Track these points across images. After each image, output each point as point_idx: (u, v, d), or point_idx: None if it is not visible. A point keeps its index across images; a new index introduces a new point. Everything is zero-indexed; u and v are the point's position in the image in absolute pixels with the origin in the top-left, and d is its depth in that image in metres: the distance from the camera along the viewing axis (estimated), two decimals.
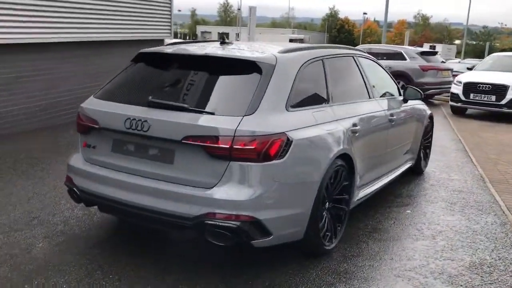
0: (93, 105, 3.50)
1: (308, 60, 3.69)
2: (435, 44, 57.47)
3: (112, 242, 3.71)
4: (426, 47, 39.09)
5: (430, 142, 6.46)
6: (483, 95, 11.56)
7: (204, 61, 3.46)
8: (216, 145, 2.95)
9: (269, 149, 3.00)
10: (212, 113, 3.05)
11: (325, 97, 3.79)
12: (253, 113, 3.04)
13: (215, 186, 2.98)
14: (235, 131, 2.94)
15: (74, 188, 3.48)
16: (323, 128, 3.49)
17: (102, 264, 3.33)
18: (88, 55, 9.06)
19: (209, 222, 2.94)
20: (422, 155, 6.13)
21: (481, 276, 3.44)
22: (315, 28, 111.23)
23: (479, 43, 76.68)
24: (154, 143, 3.17)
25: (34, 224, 3.95)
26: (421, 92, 5.39)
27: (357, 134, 3.94)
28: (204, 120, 3.02)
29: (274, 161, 3.02)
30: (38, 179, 5.17)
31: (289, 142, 3.09)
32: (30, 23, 7.70)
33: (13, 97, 7.58)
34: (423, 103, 6.18)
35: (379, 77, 5.19)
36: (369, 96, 4.54)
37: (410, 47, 16.32)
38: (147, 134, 3.12)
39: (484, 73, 12.19)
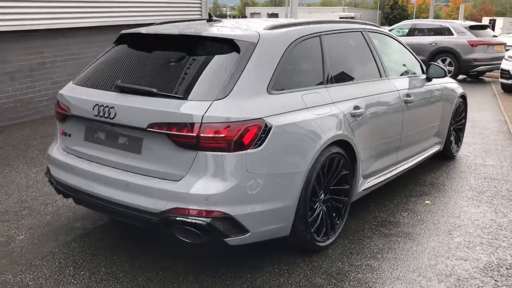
0: (68, 91, 3.31)
1: (301, 37, 3.32)
2: (495, 18, 54.20)
3: (95, 236, 3.54)
4: (485, 22, 36.85)
5: (464, 124, 5.89)
6: None
7: (179, 41, 3.17)
8: (181, 133, 2.67)
9: (242, 137, 2.69)
10: (181, 98, 2.76)
11: (321, 78, 3.41)
12: (225, 97, 2.73)
13: (182, 179, 2.71)
14: (202, 118, 2.64)
15: (52, 179, 3.33)
16: (313, 112, 3.12)
17: (77, 259, 3.16)
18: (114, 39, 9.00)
19: (175, 218, 2.68)
20: (452, 138, 5.59)
21: (495, 280, 3.00)
22: (367, 5, 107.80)
23: None
24: (122, 131, 2.94)
25: (23, 214, 3.86)
26: (445, 69, 4.84)
27: (359, 118, 3.54)
28: (170, 106, 2.74)
29: (249, 150, 2.71)
30: (43, 166, 5.11)
31: (267, 128, 2.77)
32: (55, 8, 7.72)
33: (38, 83, 7.63)
34: (454, 81, 5.61)
35: (397, 54, 4.71)
36: (380, 76, 4.09)
37: (458, 21, 15.26)
38: (113, 121, 2.89)
39: None
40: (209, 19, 3.56)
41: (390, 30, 15.03)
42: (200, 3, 11.58)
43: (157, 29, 3.38)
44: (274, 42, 3.11)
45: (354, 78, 3.80)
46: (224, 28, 3.30)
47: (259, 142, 2.74)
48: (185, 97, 2.76)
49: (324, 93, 3.34)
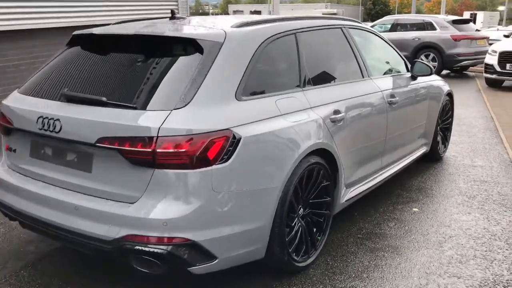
0: (12, 101, 2.93)
1: (274, 35, 2.99)
2: (475, 12, 54.55)
3: (49, 261, 3.17)
4: (467, 16, 36.98)
5: (450, 123, 5.62)
6: None
7: (134, 42, 2.81)
8: (135, 149, 2.32)
9: (206, 151, 2.35)
10: (135, 108, 2.41)
11: (297, 81, 3.08)
12: (186, 105, 2.39)
13: (137, 201, 2.36)
14: (158, 130, 2.30)
15: None
16: (289, 120, 2.80)
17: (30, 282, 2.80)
18: None
19: (130, 246, 2.33)
20: (439, 139, 5.32)
21: None
22: (350, 1, 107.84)
23: None
24: (70, 147, 2.58)
25: None
26: (431, 67, 4.56)
27: (340, 123, 3.22)
28: (122, 117, 2.39)
29: (214, 166, 2.37)
30: None
31: (235, 140, 2.44)
32: (30, 8, 7.33)
33: (1, 88, 7.20)
34: (440, 78, 5.34)
35: (380, 52, 4.41)
36: (363, 76, 3.78)
37: (441, 16, 15.08)
38: (59, 135, 2.53)
39: None
40: (172, 17, 3.22)
41: (372, 26, 14.79)
42: (177, 1, 11.20)
43: (111, 29, 3.02)
44: (243, 41, 2.78)
45: (334, 79, 3.49)
46: (187, 27, 2.96)
47: (226, 157, 2.40)
48: (139, 106, 2.42)
49: (301, 97, 3.01)
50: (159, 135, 2.29)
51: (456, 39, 12.86)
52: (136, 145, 2.31)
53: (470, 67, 13.99)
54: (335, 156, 3.15)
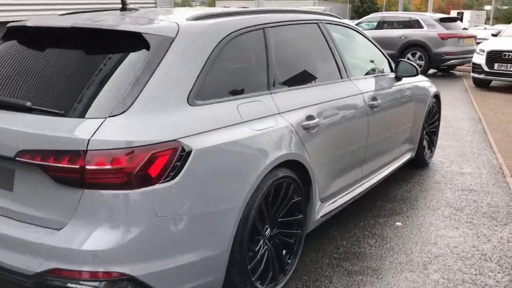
0: None
1: (238, 30, 2.60)
2: (463, 11, 54.66)
3: None
4: (454, 15, 36.87)
5: (437, 127, 5.28)
6: (509, 65, 10.15)
7: (72, 36, 2.40)
8: (60, 165, 1.92)
9: (147, 168, 1.96)
10: (62, 115, 2.02)
11: (265, 82, 2.70)
12: (124, 112, 2.00)
13: (64, 228, 1.97)
14: (88, 143, 1.90)
15: None
16: (253, 127, 2.42)
17: None
18: None
19: (53, 282, 1.94)
20: (425, 143, 4.98)
21: None
22: None
23: (511, 7, 72.52)
24: None
25: None
26: (417, 67, 4.20)
27: (314, 130, 2.85)
28: (47, 126, 1.99)
29: (157, 186, 1.98)
30: None
31: (184, 153, 2.05)
32: None
33: None
34: (426, 79, 4.99)
35: (361, 50, 4.05)
36: (341, 76, 3.41)
37: (428, 14, 14.81)
38: None
39: (511, 39, 10.71)
40: (123, 8, 2.81)
41: (358, 24, 14.46)
42: None
43: (48, 20, 2.60)
44: (200, 37, 2.38)
45: (308, 81, 3.11)
46: (136, 19, 2.56)
47: (172, 173, 2.02)
48: (68, 113, 2.02)
49: (269, 101, 2.63)
50: (88, 149, 1.89)
51: (443, 38, 12.58)
52: (61, 161, 1.91)
53: (457, 66, 13.75)
54: (307, 167, 2.78)
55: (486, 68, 10.48)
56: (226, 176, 2.25)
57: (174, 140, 2.03)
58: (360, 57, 4.00)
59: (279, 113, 2.64)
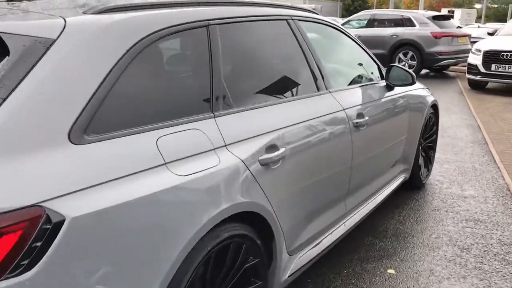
0: None
1: (164, 30, 1.83)
2: (453, 9, 54.29)
3: None
4: (444, 13, 36.28)
5: (435, 141, 4.56)
6: (507, 66, 9.47)
7: None
8: None
9: None
10: None
11: (205, 101, 1.94)
12: None
13: None
14: None
15: None
16: (180, 172, 1.65)
17: None
18: None
19: None
20: (421, 161, 4.26)
21: None
22: None
23: (501, 6, 72.26)
24: None
25: None
26: (413, 74, 3.46)
27: (277, 165, 2.10)
28: None
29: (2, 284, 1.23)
30: None
31: (51, 226, 1.29)
32: None
33: None
34: (422, 86, 4.26)
35: (345, 54, 3.32)
36: (318, 88, 2.67)
37: (420, 11, 14.12)
38: None
39: (509, 38, 10.04)
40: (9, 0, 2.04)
41: (347, 22, 13.75)
42: None
43: None
44: (100, 39, 1.62)
45: (270, 97, 2.35)
46: (13, 15, 1.79)
47: (26, 262, 1.25)
48: None
49: (210, 129, 1.87)
50: None
51: (436, 37, 11.91)
52: None
53: (451, 67, 13.08)
54: (267, 218, 2.03)
55: (482, 69, 9.80)
56: (132, 251, 1.49)
57: (36, 204, 1.27)
58: (344, 62, 3.28)
59: (225, 146, 1.89)
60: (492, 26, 19.26)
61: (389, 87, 3.46)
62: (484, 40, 10.91)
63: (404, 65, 12.17)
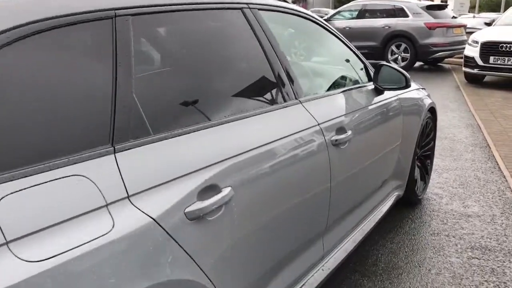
0: None
1: (40, 22, 1.21)
2: None
3: None
4: (437, 2, 35.63)
5: (432, 149, 3.96)
6: (507, 58, 8.88)
7: None
8: None
9: None
10: None
11: (101, 130, 1.31)
12: None
13: None
14: None
15: None
16: (27, 255, 1.03)
17: None
18: None
19: None
20: (417, 173, 3.66)
21: None
22: None
23: None
24: None
25: None
26: (406, 75, 2.84)
27: (218, 215, 1.48)
28: None
29: None
30: None
31: None
32: None
33: None
34: (418, 86, 3.64)
35: (322, 51, 2.69)
36: (284, 98, 2.04)
37: (413, 1, 13.48)
38: None
39: (508, 28, 9.44)
40: None
41: (337, 13, 13.08)
42: None
43: None
44: None
45: (211, 115, 1.70)
46: None
47: None
48: None
49: (103, 174, 1.24)
50: None
51: (430, 28, 11.30)
52: None
53: (446, 59, 12.48)
54: None
55: (480, 62, 9.20)
56: None
57: None
58: (321, 63, 2.64)
59: (129, 197, 1.26)
60: (487, 16, 18.61)
61: (378, 91, 2.84)
62: (481, 30, 10.30)
63: (396, 58, 11.56)
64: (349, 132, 2.29)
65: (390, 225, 3.36)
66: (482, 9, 55.20)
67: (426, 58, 11.80)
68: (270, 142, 1.78)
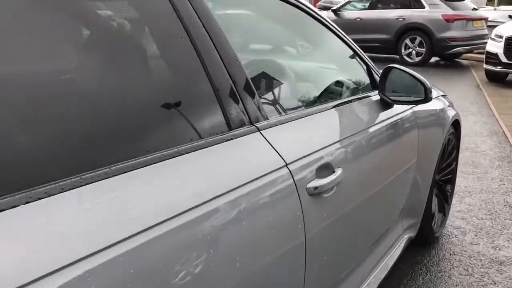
0: None
1: None
2: None
3: None
4: None
5: (454, 171, 3.15)
6: None
7: None
8: None
9: None
10: None
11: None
12: None
13: None
14: None
15: None
16: None
17: None
18: None
19: None
20: (435, 205, 2.87)
21: None
22: None
23: None
24: None
25: None
26: (426, 84, 2.01)
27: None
28: None
29: None
30: None
31: None
32: None
33: None
34: (440, 92, 2.83)
35: (305, 51, 1.89)
36: (229, 125, 1.25)
37: None
38: None
39: None
40: None
41: (347, 3, 12.15)
42: None
43: None
44: None
45: (101, 164, 0.92)
46: None
47: None
48: None
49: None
50: None
51: (448, 20, 10.41)
52: None
53: (464, 54, 11.57)
54: None
55: (504, 59, 8.31)
56: None
57: None
58: (301, 67, 1.84)
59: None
60: (510, 8, 17.56)
61: (386, 104, 2.04)
62: (506, 24, 9.38)
63: (411, 53, 10.68)
64: (339, 172, 1.50)
65: (398, 275, 2.57)
66: (501, 2, 53.44)
67: (443, 53, 10.91)
68: (205, 202, 0.99)
